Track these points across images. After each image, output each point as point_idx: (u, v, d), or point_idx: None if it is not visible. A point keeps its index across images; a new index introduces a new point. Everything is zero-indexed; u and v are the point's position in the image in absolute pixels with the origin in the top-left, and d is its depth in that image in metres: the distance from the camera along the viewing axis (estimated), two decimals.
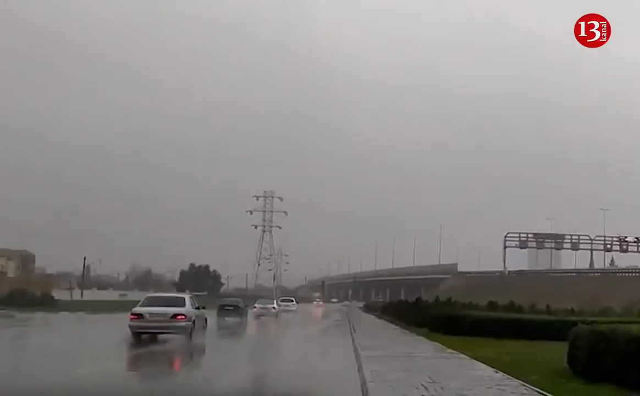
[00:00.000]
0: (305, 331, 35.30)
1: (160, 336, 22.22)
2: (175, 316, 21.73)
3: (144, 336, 21.92)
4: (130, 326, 21.79)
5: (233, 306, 44.29)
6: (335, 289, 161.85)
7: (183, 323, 21.73)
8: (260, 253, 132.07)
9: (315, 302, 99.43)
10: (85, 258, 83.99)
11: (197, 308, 23.83)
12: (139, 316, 21.86)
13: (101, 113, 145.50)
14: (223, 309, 43.50)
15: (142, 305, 22.84)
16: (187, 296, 25.37)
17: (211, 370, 16.04)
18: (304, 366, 16.14)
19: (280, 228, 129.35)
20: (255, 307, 50.10)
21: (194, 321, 22.42)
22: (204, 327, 24.68)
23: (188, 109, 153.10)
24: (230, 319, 39.71)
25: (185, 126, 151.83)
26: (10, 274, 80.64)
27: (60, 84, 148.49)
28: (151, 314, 21.92)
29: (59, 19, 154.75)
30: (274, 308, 51.02)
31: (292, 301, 65.61)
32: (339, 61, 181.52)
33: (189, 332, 21.80)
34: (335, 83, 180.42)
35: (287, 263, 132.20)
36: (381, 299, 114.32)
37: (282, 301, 62.97)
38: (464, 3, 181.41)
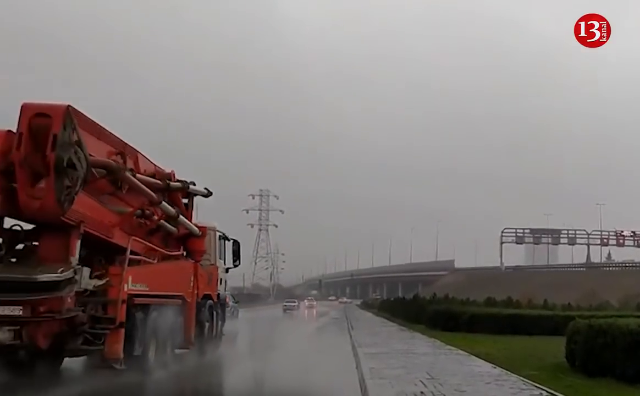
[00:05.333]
0: (305, 329, 35.67)
1: None
2: None
3: None
4: None
5: None
6: (332, 287, 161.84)
7: None
8: (257, 252, 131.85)
9: (306, 301, 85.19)
10: None
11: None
12: None
13: (94, 114, 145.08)
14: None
15: None
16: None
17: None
18: (302, 364, 16.09)
19: (276, 226, 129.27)
20: (285, 304, 68.11)
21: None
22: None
23: (174, 109, 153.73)
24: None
25: (173, 126, 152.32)
26: None
27: (50, 82, 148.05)
28: None
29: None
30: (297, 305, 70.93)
31: (295, 302, 74.29)
32: (326, 60, 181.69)
33: None
34: (328, 83, 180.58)
35: (283, 261, 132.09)
36: (378, 297, 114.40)
37: (287, 302, 71.00)
38: (463, 3, 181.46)
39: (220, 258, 18.15)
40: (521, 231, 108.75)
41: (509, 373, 13.47)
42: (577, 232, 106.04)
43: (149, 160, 13.63)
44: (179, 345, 14.32)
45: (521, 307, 33.18)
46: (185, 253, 15.43)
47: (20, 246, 11.35)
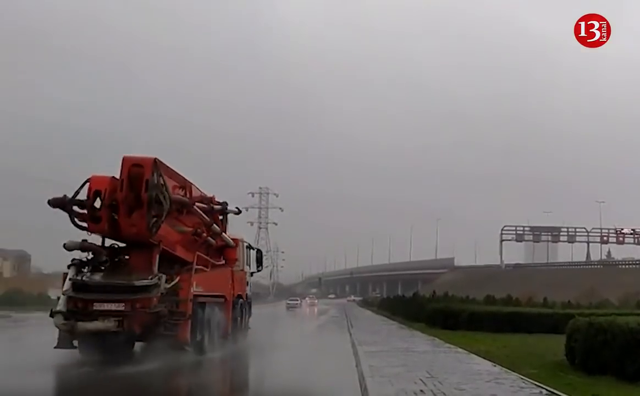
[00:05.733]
0: (305, 327, 35.96)
1: None
2: None
3: None
4: None
5: None
6: (332, 285, 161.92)
7: None
8: None
9: (308, 299, 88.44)
10: None
11: None
12: None
13: (95, 113, 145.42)
14: None
15: None
16: None
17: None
18: (302, 361, 16.10)
19: (276, 224, 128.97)
20: (288, 302, 71.79)
21: None
22: None
23: (174, 109, 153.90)
24: None
25: (173, 125, 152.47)
26: (6, 275, 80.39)
27: (50, 82, 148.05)
28: None
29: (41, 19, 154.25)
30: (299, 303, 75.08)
31: (297, 300, 78.62)
32: (326, 60, 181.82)
33: None
34: (327, 83, 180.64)
35: (283, 259, 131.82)
36: (378, 295, 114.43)
37: (290, 300, 74.82)
38: (463, 3, 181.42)
39: (247, 264, 21.79)
40: (521, 229, 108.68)
41: (509, 371, 13.48)
42: (577, 230, 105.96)
43: (197, 188, 16.78)
44: (222, 334, 17.67)
45: (521, 305, 33.22)
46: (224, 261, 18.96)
47: (115, 259, 15.13)
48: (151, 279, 14.10)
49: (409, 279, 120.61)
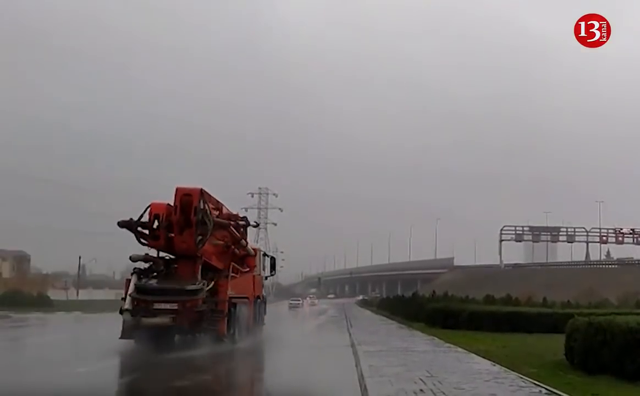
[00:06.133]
0: (307, 325, 37.58)
1: None
2: None
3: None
4: None
5: None
6: (331, 285, 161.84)
7: None
8: None
9: (308, 299, 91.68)
10: (80, 258, 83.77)
11: None
12: None
13: (94, 114, 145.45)
14: None
15: None
16: None
17: None
18: (302, 360, 16.11)
19: (275, 224, 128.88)
20: (290, 302, 74.86)
21: None
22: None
23: (174, 110, 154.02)
24: None
25: (172, 125, 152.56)
26: (6, 275, 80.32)
27: (49, 82, 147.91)
28: None
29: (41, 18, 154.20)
30: (301, 302, 78.99)
31: (299, 300, 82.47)
32: (325, 60, 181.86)
33: None
34: (327, 83, 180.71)
35: (283, 259, 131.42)
36: (378, 295, 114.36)
37: (292, 300, 78.75)
38: (463, 3, 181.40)
39: (263, 270, 25.56)
40: (520, 228, 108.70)
41: (508, 370, 13.48)
42: (576, 230, 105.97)
43: (226, 207, 20.38)
44: (246, 328, 21.07)
45: (520, 305, 33.21)
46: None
47: (167, 268, 18.69)
48: (197, 284, 17.80)
49: (409, 279, 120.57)
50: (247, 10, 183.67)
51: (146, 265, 18.62)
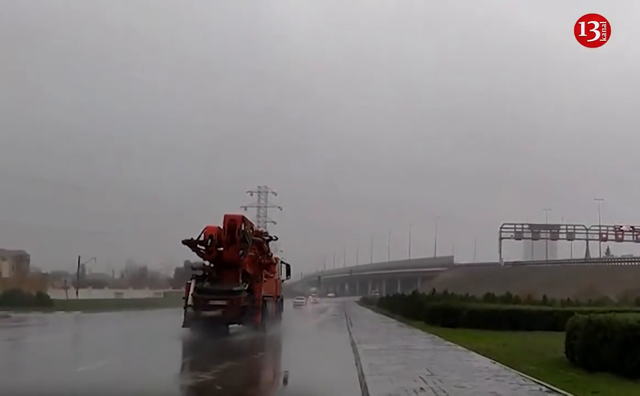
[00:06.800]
0: (312, 322, 39.86)
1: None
2: None
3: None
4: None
5: None
6: (331, 284, 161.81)
7: None
8: None
9: (310, 297, 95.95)
10: (79, 257, 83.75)
11: None
12: None
13: (93, 113, 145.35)
14: None
15: None
16: None
17: None
18: (302, 359, 16.11)
19: (275, 223, 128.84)
20: (295, 300, 77.22)
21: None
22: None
23: (174, 109, 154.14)
24: None
25: (172, 125, 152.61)
26: (5, 275, 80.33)
27: (49, 82, 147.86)
28: None
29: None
30: (305, 301, 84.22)
31: (303, 299, 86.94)
32: (325, 59, 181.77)
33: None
34: (326, 82, 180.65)
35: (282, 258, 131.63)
36: (378, 293, 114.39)
37: (297, 299, 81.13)
38: (462, 2, 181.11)
39: (280, 274, 31.69)
40: (520, 226, 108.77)
41: (509, 368, 13.46)
42: (576, 227, 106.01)
43: (256, 227, 25.65)
44: (272, 320, 27.03)
45: (520, 303, 33.17)
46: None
47: (217, 274, 24.27)
48: (240, 286, 23.64)
49: (409, 278, 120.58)
50: (246, 10, 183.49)
51: (201, 272, 24.00)
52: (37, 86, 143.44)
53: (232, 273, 23.86)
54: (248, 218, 25.94)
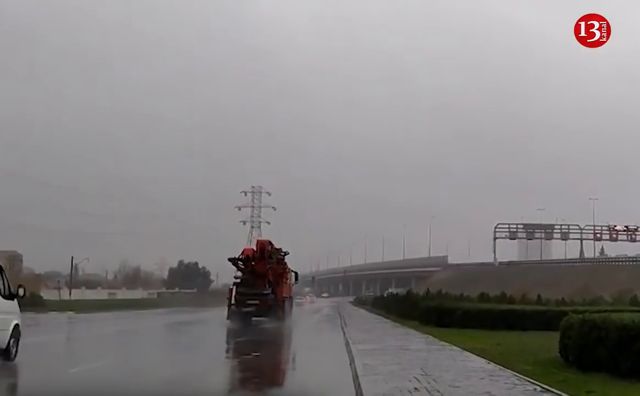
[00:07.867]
0: (312, 318, 44.68)
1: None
2: None
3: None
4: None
5: None
6: (325, 284, 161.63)
7: None
8: None
9: (308, 297, 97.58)
10: (72, 258, 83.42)
11: None
12: None
13: (85, 113, 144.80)
14: None
15: None
16: None
17: None
18: (297, 358, 16.06)
19: (268, 223, 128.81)
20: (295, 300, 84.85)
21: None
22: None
23: (165, 110, 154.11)
24: None
25: (165, 125, 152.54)
26: None
27: (44, 82, 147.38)
28: None
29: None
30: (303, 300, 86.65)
31: (302, 298, 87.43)
32: (322, 57, 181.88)
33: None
34: (319, 80, 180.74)
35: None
36: (372, 293, 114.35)
37: (297, 299, 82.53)
38: (462, 2, 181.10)
39: (291, 279, 39.19)
40: (514, 226, 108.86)
41: (503, 368, 13.45)
42: (570, 227, 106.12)
43: (275, 245, 36.30)
44: (288, 315, 35.92)
45: (515, 302, 33.20)
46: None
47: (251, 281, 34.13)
48: (267, 290, 33.15)
49: (403, 278, 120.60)
50: (247, 10, 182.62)
51: (239, 280, 34.12)
52: (33, 86, 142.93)
53: (261, 280, 33.41)
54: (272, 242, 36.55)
